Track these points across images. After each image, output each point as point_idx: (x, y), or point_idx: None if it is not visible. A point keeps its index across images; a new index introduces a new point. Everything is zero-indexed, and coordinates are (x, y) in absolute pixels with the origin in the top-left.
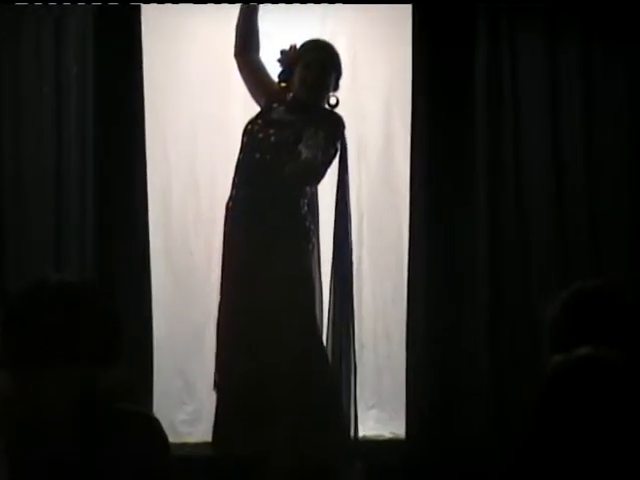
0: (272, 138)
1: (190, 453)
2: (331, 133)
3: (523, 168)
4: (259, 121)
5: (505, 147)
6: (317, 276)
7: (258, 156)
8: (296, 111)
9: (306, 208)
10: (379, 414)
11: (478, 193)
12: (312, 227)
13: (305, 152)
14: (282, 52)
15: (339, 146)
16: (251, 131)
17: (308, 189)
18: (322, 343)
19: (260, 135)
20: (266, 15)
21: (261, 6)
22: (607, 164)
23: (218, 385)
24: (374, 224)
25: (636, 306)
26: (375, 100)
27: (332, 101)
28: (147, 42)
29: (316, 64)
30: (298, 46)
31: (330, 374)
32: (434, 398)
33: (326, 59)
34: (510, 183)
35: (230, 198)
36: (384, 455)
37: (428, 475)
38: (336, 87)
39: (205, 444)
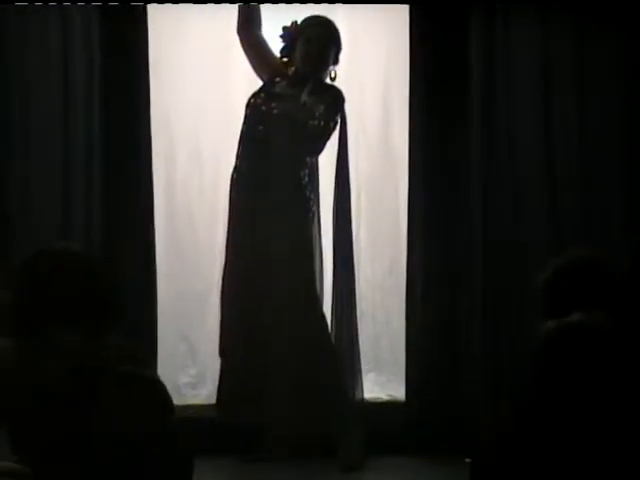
0: (274, 111)
1: (194, 415)
2: (331, 106)
3: (517, 138)
4: (262, 94)
5: (498, 115)
6: (317, 244)
7: (261, 128)
8: (298, 85)
9: (307, 179)
10: (377, 377)
11: (475, 163)
12: (312, 197)
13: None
14: (284, 28)
15: (339, 119)
16: (254, 104)
17: (309, 160)
18: (321, 309)
19: (263, 108)
20: None
21: None
22: (599, 146)
23: (222, 351)
24: (372, 196)
25: (626, 274)
26: (374, 73)
27: (332, 75)
28: (152, 19)
29: (317, 39)
30: (299, 22)
31: (331, 340)
32: (432, 361)
33: (327, 34)
34: (504, 151)
35: (234, 169)
36: (383, 417)
37: (426, 437)
38: (336, 61)
39: (208, 406)
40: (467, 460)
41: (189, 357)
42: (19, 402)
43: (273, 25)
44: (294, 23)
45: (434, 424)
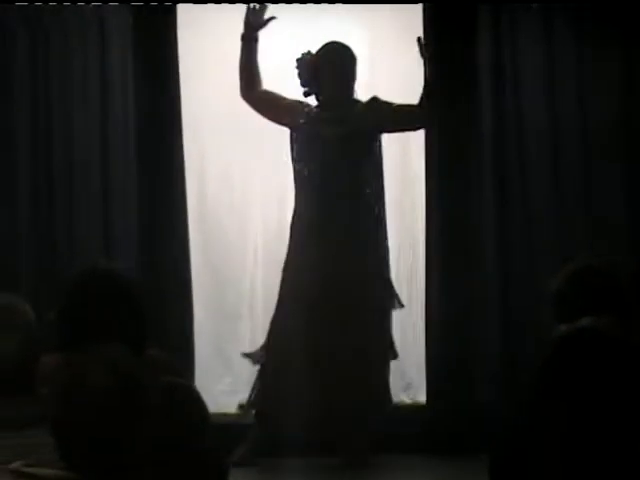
0: (324, 138)
1: (229, 421)
2: (369, 112)
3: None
4: (300, 132)
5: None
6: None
7: (316, 161)
8: (331, 107)
9: (370, 189)
10: (399, 381)
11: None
12: (378, 202)
13: None
14: (298, 60)
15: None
16: (299, 141)
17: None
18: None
19: (311, 143)
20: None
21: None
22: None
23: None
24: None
25: (634, 280)
26: (389, 88)
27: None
28: (183, 37)
29: (339, 58)
30: (314, 51)
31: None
32: (452, 366)
33: (345, 52)
34: (514, 151)
35: (294, 214)
36: (405, 420)
37: (446, 440)
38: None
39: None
40: (485, 459)
41: (223, 367)
42: (71, 413)
43: (272, 25)
44: (308, 52)
45: (454, 425)
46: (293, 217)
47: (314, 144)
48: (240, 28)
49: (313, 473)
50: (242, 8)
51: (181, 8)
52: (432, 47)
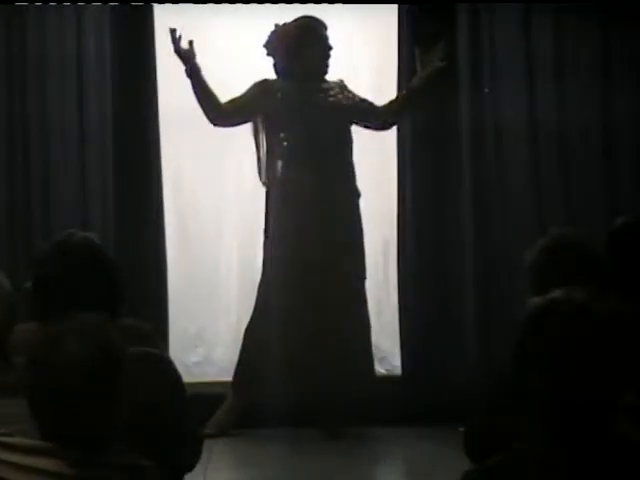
0: (307, 108)
1: (202, 391)
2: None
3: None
4: (284, 102)
5: (486, 113)
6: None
7: (302, 128)
8: (317, 78)
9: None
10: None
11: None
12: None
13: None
14: (273, 32)
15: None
16: (280, 113)
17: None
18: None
19: (295, 113)
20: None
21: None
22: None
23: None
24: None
25: (607, 252)
26: (365, 74)
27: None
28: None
29: (321, 31)
30: (289, 23)
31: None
32: (426, 336)
33: (324, 26)
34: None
35: (281, 181)
36: (380, 392)
37: (421, 411)
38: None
39: (215, 383)
40: (460, 429)
41: (198, 338)
42: (47, 381)
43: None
44: (284, 24)
45: (429, 396)
46: (272, 184)
47: (299, 113)
48: (219, 28)
49: (292, 444)
50: (219, 8)
51: (158, 8)
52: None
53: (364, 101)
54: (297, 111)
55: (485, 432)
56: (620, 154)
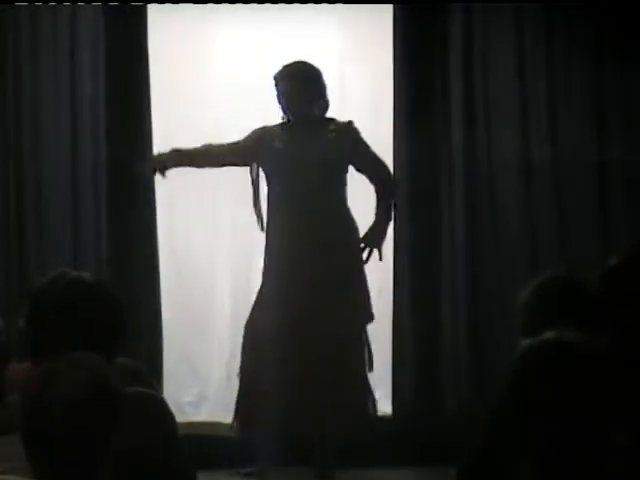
0: (295, 157)
1: (196, 431)
2: (339, 135)
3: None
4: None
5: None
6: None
7: (286, 178)
8: (301, 126)
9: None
10: None
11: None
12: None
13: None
14: (274, 78)
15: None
16: (274, 160)
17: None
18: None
19: (287, 165)
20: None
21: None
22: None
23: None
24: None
25: (599, 293)
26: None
27: (321, 112)
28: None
29: (285, 79)
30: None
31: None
32: (419, 378)
33: (293, 71)
34: (484, 151)
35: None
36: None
37: (413, 452)
38: (320, 97)
39: (209, 424)
40: (452, 471)
41: (191, 377)
42: (42, 423)
43: (273, 23)
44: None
45: (420, 437)
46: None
47: (291, 163)
48: (211, 27)
49: None
50: (211, 8)
51: (151, 8)
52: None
53: (364, 155)
54: (289, 160)
55: (478, 473)
56: (616, 188)
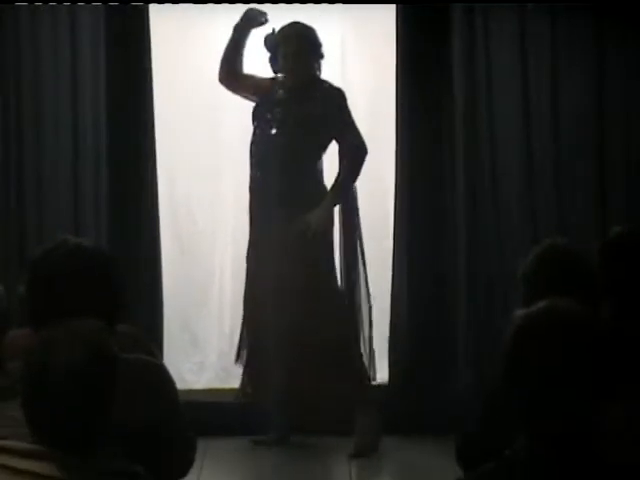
0: (278, 115)
1: (196, 399)
2: (328, 99)
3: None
4: (265, 104)
5: (480, 115)
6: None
7: (272, 132)
8: (293, 90)
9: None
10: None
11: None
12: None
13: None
14: (265, 38)
15: (339, 112)
16: (259, 113)
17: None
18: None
19: (268, 115)
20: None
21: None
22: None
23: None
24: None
25: (602, 264)
26: (362, 75)
27: (317, 72)
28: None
29: (292, 52)
30: (277, 30)
31: (355, 325)
32: (415, 347)
33: (300, 44)
34: (487, 145)
35: (251, 179)
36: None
37: (408, 420)
38: (320, 57)
39: (209, 390)
40: (451, 439)
41: (191, 346)
42: (43, 389)
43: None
44: (273, 31)
45: (418, 405)
46: (250, 184)
47: (274, 122)
48: (211, 28)
49: (287, 449)
50: (211, 8)
51: (153, 8)
52: None
53: (345, 121)
54: (275, 112)
55: (477, 441)
56: (615, 165)
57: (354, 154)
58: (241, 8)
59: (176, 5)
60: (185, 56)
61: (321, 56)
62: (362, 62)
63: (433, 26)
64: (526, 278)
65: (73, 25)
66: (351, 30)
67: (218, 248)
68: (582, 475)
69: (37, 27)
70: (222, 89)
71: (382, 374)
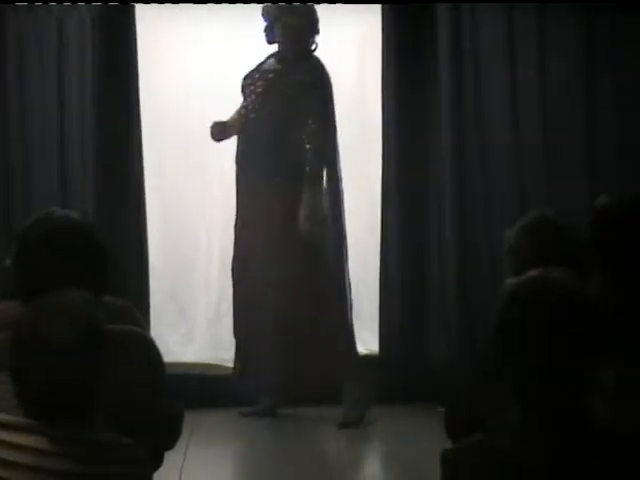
0: (259, 89)
1: (183, 371)
2: (313, 73)
3: (484, 104)
4: (253, 74)
5: (467, 90)
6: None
7: (250, 107)
8: (282, 60)
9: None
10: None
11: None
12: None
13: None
14: (264, 7)
15: (322, 85)
16: (245, 85)
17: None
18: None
19: (251, 88)
20: None
21: None
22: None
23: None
24: (350, 157)
25: (591, 233)
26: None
27: (312, 46)
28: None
29: (292, 25)
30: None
31: (342, 297)
32: (405, 317)
33: (301, 19)
34: (471, 117)
35: (237, 150)
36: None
37: (399, 390)
38: (316, 32)
39: (196, 364)
40: (439, 409)
41: (179, 317)
42: (30, 361)
43: (256, 22)
44: (271, 5)
45: (408, 376)
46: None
47: (253, 95)
48: (199, 24)
49: (274, 420)
50: (199, 7)
51: (139, 7)
52: None
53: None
54: (262, 82)
55: (465, 412)
56: (603, 137)
57: (312, 139)
58: (242, 9)
59: (173, 5)
60: (172, 55)
61: (317, 32)
62: (348, 64)
63: (419, 25)
64: (513, 248)
65: (60, 25)
66: (336, 31)
67: (204, 217)
68: (575, 442)
69: (23, 27)
70: (224, 86)
71: (373, 345)
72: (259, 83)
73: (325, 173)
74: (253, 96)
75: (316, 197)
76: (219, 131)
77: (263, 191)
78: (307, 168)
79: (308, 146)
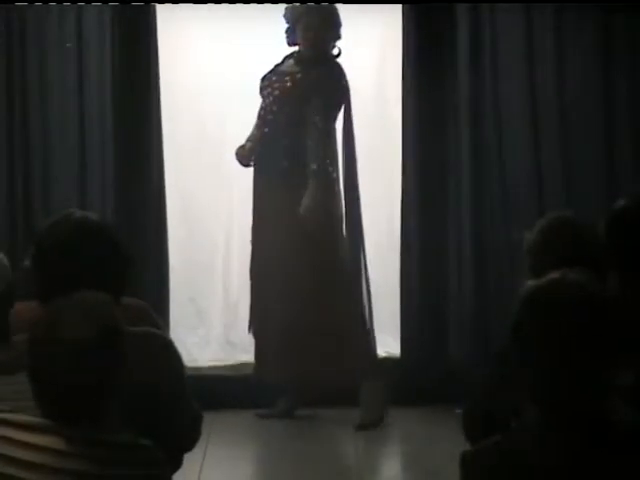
0: (276, 92)
1: (201, 373)
2: (330, 77)
3: (503, 104)
4: (271, 75)
5: (487, 90)
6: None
7: (263, 108)
8: (301, 62)
9: (316, 148)
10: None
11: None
12: (322, 163)
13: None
14: (287, 8)
15: (341, 90)
16: (262, 86)
17: (314, 129)
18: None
19: (268, 89)
20: None
21: None
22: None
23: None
24: (369, 159)
25: (609, 235)
26: (369, 56)
27: (335, 51)
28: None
29: (313, 26)
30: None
31: (359, 301)
32: (425, 319)
33: (322, 20)
34: (490, 119)
35: (255, 153)
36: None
37: (420, 392)
38: (337, 37)
39: (214, 366)
40: (457, 411)
41: (198, 318)
42: (49, 362)
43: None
44: (293, 6)
45: (427, 378)
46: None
47: (268, 97)
48: (216, 24)
49: (292, 422)
50: (219, 7)
51: (160, 8)
52: None
53: (314, 112)
54: (279, 84)
55: (483, 414)
56: (621, 137)
57: (312, 135)
58: (242, 9)
59: (183, 5)
60: (190, 56)
61: (339, 37)
62: (368, 64)
63: (439, 25)
64: (532, 250)
65: (80, 25)
66: (354, 31)
67: (223, 220)
68: (594, 444)
69: (44, 27)
70: (224, 86)
71: (393, 348)
72: (276, 85)
73: (341, 175)
74: (271, 98)
75: (318, 191)
76: (243, 156)
77: (279, 192)
78: (313, 166)
79: (312, 144)
